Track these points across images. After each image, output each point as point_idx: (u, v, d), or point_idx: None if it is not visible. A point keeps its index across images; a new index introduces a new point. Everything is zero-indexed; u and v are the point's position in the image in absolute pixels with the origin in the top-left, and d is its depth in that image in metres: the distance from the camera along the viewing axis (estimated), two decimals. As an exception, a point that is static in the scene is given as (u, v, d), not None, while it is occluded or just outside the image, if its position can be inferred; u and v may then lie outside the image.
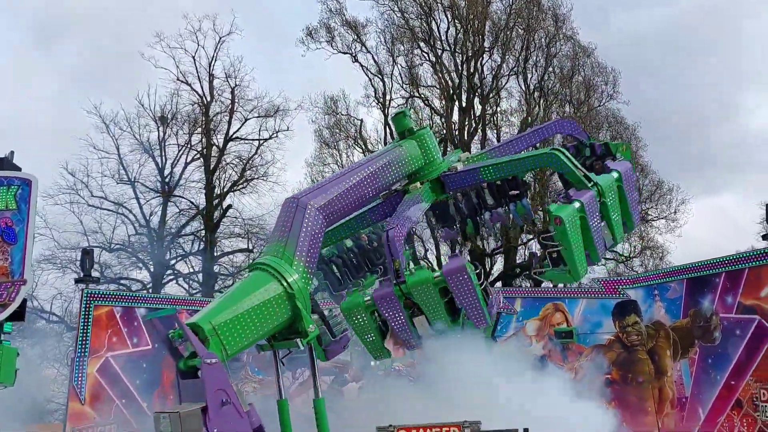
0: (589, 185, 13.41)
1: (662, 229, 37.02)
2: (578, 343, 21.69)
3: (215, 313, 11.77)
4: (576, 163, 14.01)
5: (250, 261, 35.14)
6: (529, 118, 35.38)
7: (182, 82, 35.47)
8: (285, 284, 12.03)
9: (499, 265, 35.98)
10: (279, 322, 12.18)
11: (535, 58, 36.60)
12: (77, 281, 20.00)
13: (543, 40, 36.64)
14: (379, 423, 13.56)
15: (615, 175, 13.99)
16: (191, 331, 11.25)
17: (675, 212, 36.78)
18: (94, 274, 20.01)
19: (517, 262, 34.94)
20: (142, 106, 34.77)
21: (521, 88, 36.69)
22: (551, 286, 34.97)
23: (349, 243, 15.42)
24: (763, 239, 20.77)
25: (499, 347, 20.98)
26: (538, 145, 16.93)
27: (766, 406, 18.03)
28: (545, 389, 17.04)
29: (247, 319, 11.75)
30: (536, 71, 36.65)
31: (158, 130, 35.11)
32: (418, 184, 15.13)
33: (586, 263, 13.56)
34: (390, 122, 17.12)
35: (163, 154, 35.17)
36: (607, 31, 49.95)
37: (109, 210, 33.98)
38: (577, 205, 12.95)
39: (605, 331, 21.76)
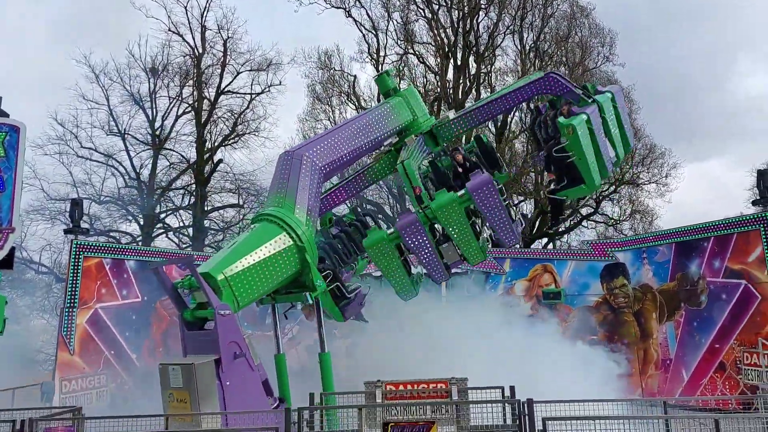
0: (589, 101, 13.58)
1: (653, 194, 37.13)
2: (566, 304, 21.88)
3: (227, 263, 11.75)
4: (572, 82, 14.31)
5: (241, 216, 35.21)
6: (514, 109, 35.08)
7: (174, 33, 34.97)
8: (295, 236, 12.19)
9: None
10: (289, 274, 12.34)
11: (531, 17, 36.14)
12: (66, 232, 19.92)
13: (540, -2, 36.16)
14: (367, 379, 13.65)
15: (609, 94, 14.34)
16: (203, 280, 11.23)
17: (666, 177, 36.84)
18: (84, 225, 19.94)
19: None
20: (133, 56, 34.37)
21: (516, 47, 36.34)
22: (541, 247, 35.29)
23: (334, 230, 15.17)
24: (753, 205, 20.86)
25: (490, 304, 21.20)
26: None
27: (749, 369, 18.31)
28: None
29: (259, 270, 11.81)
30: (532, 31, 36.23)
31: (149, 82, 34.74)
32: (413, 136, 15.13)
33: (599, 175, 13.80)
34: (376, 82, 16.85)
35: (154, 106, 34.86)
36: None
37: (98, 162, 33.78)
38: (584, 116, 13.21)
39: (593, 293, 21.96)
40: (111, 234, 33.82)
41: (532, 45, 36.25)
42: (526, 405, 9.90)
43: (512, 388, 11.73)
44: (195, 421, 10.57)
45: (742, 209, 35.91)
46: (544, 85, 14.46)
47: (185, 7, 34.77)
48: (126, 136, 34.11)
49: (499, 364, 15.48)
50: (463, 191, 12.94)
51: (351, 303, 13.74)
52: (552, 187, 14.47)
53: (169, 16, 34.83)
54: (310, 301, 12.96)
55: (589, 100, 13.84)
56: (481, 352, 16.97)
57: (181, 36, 35.04)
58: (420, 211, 13.06)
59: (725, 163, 63.44)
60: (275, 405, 12.00)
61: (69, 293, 17.23)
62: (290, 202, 12.59)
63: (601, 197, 36.68)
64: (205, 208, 35.08)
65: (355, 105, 36.33)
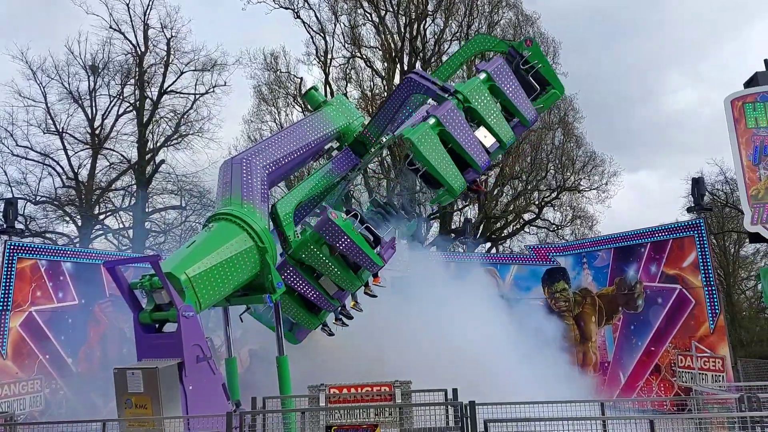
0: (446, 96, 13.60)
1: (593, 200, 38.00)
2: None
3: (189, 262, 11.44)
4: (432, 79, 14.43)
5: (183, 218, 34.60)
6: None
7: (115, 30, 34.15)
8: (256, 237, 12.08)
9: (434, 230, 36.35)
10: (249, 275, 12.17)
11: (478, 24, 36.57)
12: (0, 233, 19.23)
13: (486, 6, 36.63)
14: (311, 382, 13.58)
15: (481, 76, 14.03)
16: (167, 281, 10.86)
17: (606, 183, 37.74)
18: (18, 226, 19.31)
19: (452, 227, 35.32)
20: (72, 53, 33.45)
21: (463, 54, 36.63)
22: (484, 251, 35.69)
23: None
24: (688, 212, 21.58)
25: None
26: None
27: (683, 371, 18.91)
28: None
29: (221, 271, 11.57)
30: (479, 38, 36.63)
31: (89, 80, 33.85)
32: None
33: (461, 177, 13.62)
34: (305, 98, 17.14)
35: (94, 104, 33.98)
36: (544, 3, 50.61)
37: (34, 161, 32.78)
38: (431, 120, 13.15)
39: (535, 297, 22.32)
40: (47, 235, 32.81)
41: (479, 51, 36.62)
42: (468, 407, 9.98)
43: (455, 391, 11.81)
44: (155, 427, 10.24)
45: (678, 216, 37.20)
46: (407, 87, 14.74)
47: (127, 5, 34.07)
48: (64, 134, 33.19)
49: (443, 367, 15.58)
50: (483, 74, 13.82)
51: (384, 246, 13.65)
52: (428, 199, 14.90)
53: (110, 13, 34.05)
54: (270, 303, 12.72)
55: (447, 96, 13.67)
56: (425, 354, 17.03)
57: (123, 34, 34.32)
58: (452, 96, 13.56)
59: (654, 174, 65.83)
60: (234, 410, 11.64)
61: (2, 296, 16.63)
62: (236, 200, 12.54)
63: (543, 203, 37.39)
64: (147, 210, 34.34)
65: (301, 107, 36.13)
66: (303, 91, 36.72)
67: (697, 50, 67.33)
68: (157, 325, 11.58)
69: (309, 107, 34.58)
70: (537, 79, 14.50)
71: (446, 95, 13.66)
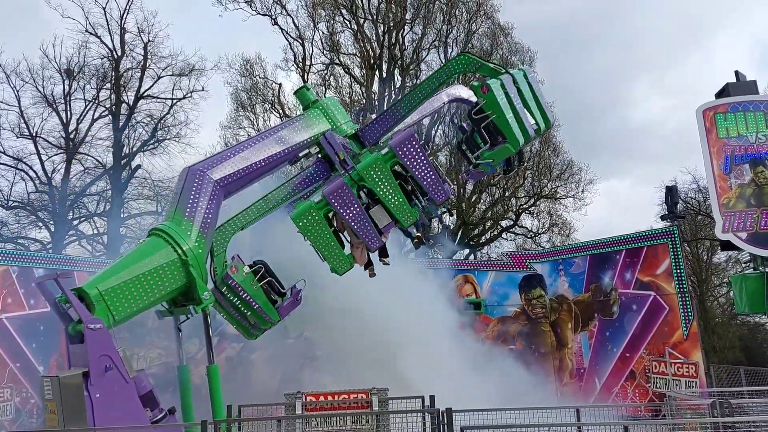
0: (503, 72, 13.40)
1: (570, 207, 38.30)
2: (485, 314, 22.27)
3: (104, 278, 11.95)
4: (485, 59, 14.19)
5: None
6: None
7: (91, 34, 33.76)
8: (180, 251, 12.21)
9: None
10: (173, 288, 12.35)
11: (455, 32, 36.80)
12: (-30, 238, 18.96)
13: (464, 15, 36.87)
14: (288, 390, 13.52)
15: (383, 151, 13.46)
16: (76, 297, 11.41)
17: (583, 191, 38.07)
18: (-10, 231, 19.06)
19: (431, 234, 35.43)
20: (47, 56, 33.00)
21: (441, 62, 36.84)
22: (462, 257, 35.82)
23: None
24: (662, 220, 21.85)
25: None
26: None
27: (657, 377, 19.11)
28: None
29: (137, 284, 11.90)
30: (456, 46, 36.89)
31: (64, 84, 33.45)
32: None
33: (346, 257, 13.12)
34: (296, 96, 16.68)
35: (69, 108, 33.53)
36: (521, 12, 51.20)
37: (7, 165, 32.27)
38: (317, 199, 13.01)
39: (512, 303, 22.45)
40: (19, 241, 32.33)
41: (459, 73, 36.81)
42: (445, 414, 10.00)
43: (432, 398, 11.84)
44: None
45: (651, 224, 37.66)
46: (458, 64, 14.39)
47: (104, 8, 33.70)
48: (38, 138, 32.72)
49: (421, 373, 15.62)
50: (387, 149, 12.86)
51: (286, 301, 13.39)
52: (476, 153, 13.89)
53: (86, 17, 33.65)
54: (194, 314, 12.98)
55: (502, 71, 13.48)
56: (403, 361, 17.06)
57: (99, 37, 33.92)
58: (345, 174, 12.91)
59: (624, 182, 66.82)
60: (161, 416, 12.07)
61: (-28, 303, 16.38)
62: (179, 215, 12.61)
63: (520, 210, 37.63)
64: (122, 215, 33.98)
65: (279, 113, 36.05)
66: (280, 94, 36.75)
67: (664, 61, 68.64)
68: (81, 337, 11.80)
69: (287, 113, 34.73)
70: (490, 130, 13.22)
71: (503, 71, 13.33)
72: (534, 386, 20.46)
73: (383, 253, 13.68)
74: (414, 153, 12.59)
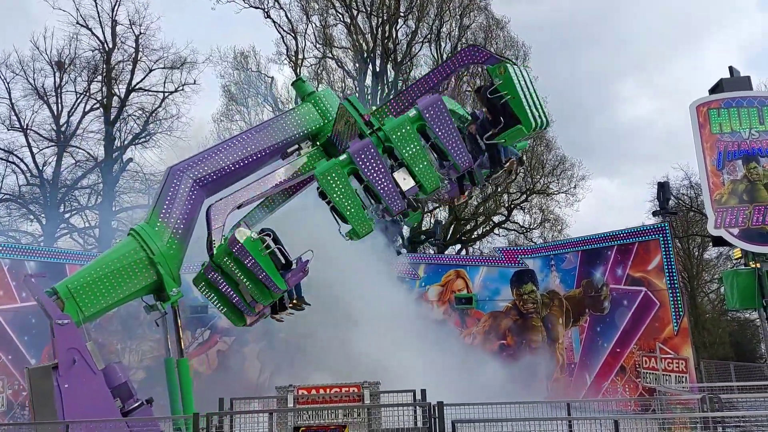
0: (368, 133, 13.05)
1: (562, 203, 38.37)
2: (477, 309, 22.31)
3: (75, 277, 12.86)
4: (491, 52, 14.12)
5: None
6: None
7: (82, 26, 33.60)
8: (148, 249, 12.79)
9: (404, 232, 36.40)
10: (143, 285, 12.95)
11: (448, 27, 36.75)
12: (-40, 231, 18.86)
13: (457, 9, 36.82)
14: (279, 383, 13.52)
15: (411, 113, 13.05)
16: (45, 295, 12.32)
17: (575, 187, 38.14)
18: (-20, 224, 18.98)
19: (423, 229, 35.45)
20: (38, 49, 32.84)
21: (434, 56, 36.84)
22: (454, 253, 35.86)
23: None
24: (653, 216, 21.93)
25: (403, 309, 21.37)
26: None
27: (647, 372, 19.19)
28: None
29: (106, 282, 12.72)
30: (450, 40, 36.86)
31: (54, 76, 33.28)
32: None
33: (367, 221, 12.76)
34: (293, 88, 16.57)
35: (60, 101, 33.38)
36: (508, 12, 51.27)
37: (-3, 157, 32.08)
38: (343, 157, 12.67)
39: (503, 299, 22.48)
40: (10, 234, 32.17)
41: (450, 54, 36.85)
42: (436, 407, 10.02)
43: (423, 392, 11.86)
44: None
45: (643, 220, 37.78)
46: (466, 56, 14.30)
47: (95, 0, 33.56)
48: (28, 131, 32.59)
49: (412, 367, 15.64)
50: (414, 111, 12.71)
51: (293, 270, 13.11)
52: (492, 131, 13.80)
53: (77, 9, 33.48)
54: (163, 310, 13.31)
55: (369, 132, 13.24)
56: (395, 355, 17.08)
57: (90, 30, 33.77)
58: (372, 133, 12.74)
59: (614, 180, 67.19)
60: (136, 405, 12.65)
61: (-38, 295, 16.32)
62: (155, 216, 13.06)
63: (512, 206, 37.67)
64: (113, 209, 33.85)
65: (272, 107, 35.95)
66: (272, 87, 36.65)
67: (653, 62, 68.90)
68: None
69: (279, 107, 34.63)
70: (505, 110, 13.20)
71: (369, 131, 13.03)
72: (525, 381, 20.54)
73: (280, 308, 13.68)
74: (440, 116, 12.54)
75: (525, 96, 13.11)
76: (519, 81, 13.00)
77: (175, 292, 12.88)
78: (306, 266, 12.83)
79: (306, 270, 12.85)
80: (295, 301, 14.04)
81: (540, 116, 13.86)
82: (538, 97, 14.18)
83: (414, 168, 12.61)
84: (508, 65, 12.99)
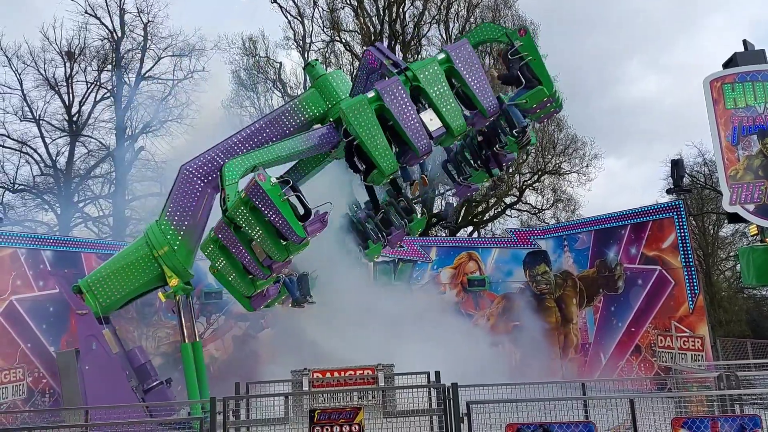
0: (395, 72, 13.10)
1: (574, 183, 38.10)
2: (490, 291, 22.29)
3: (94, 272, 15.02)
4: (390, 54, 14.13)
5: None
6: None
7: (91, 15, 33.66)
8: (150, 245, 14.29)
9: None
10: (150, 277, 14.59)
11: (457, 7, 36.42)
12: (-23, 221, 19.02)
13: (465, -11, 36.46)
14: (294, 367, 13.58)
15: (440, 56, 13.33)
16: (68, 288, 14.85)
17: (587, 166, 37.84)
18: (-4, 214, 19.14)
19: (434, 212, 35.38)
20: (48, 39, 32.95)
21: (442, 37, 36.55)
22: (466, 235, 35.78)
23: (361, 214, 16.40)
24: (667, 194, 21.76)
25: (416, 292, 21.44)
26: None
27: (662, 351, 19.13)
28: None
29: (117, 276, 14.64)
30: (458, 21, 36.54)
31: (65, 66, 33.39)
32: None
33: (393, 158, 12.51)
34: (305, 72, 16.75)
35: (71, 91, 33.51)
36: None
37: (11, 149, 32.37)
38: (370, 93, 12.56)
39: (516, 280, 22.44)
40: (26, 224, 32.46)
41: (458, 35, 36.54)
42: (450, 389, 10.02)
43: (437, 373, 11.85)
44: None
45: (656, 198, 37.49)
46: (482, 32, 14.16)
47: (103, -11, 33.55)
48: (41, 122, 32.78)
49: (426, 349, 15.65)
50: (442, 54, 12.82)
51: (311, 219, 12.73)
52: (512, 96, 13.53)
53: (86, -2, 33.51)
54: (163, 300, 15.19)
55: (396, 71, 13.17)
56: (409, 338, 17.12)
57: (99, 19, 33.84)
58: (401, 73, 12.67)
59: (621, 160, 66.61)
60: (155, 384, 14.75)
61: (-20, 285, 16.49)
62: (163, 215, 14.35)
63: (524, 186, 37.46)
64: (126, 197, 34.02)
65: (281, 92, 35.88)
66: (281, 73, 36.58)
67: (658, 41, 67.92)
68: None
69: (288, 92, 34.55)
70: (525, 72, 13.42)
71: (396, 70, 13.00)
72: (539, 362, 20.55)
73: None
74: (469, 59, 12.70)
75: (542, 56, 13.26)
76: (536, 44, 13.27)
77: (176, 283, 14.26)
78: (325, 218, 12.40)
79: (325, 221, 12.42)
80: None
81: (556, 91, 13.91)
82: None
83: (441, 108, 12.49)
84: (526, 28, 13.37)
